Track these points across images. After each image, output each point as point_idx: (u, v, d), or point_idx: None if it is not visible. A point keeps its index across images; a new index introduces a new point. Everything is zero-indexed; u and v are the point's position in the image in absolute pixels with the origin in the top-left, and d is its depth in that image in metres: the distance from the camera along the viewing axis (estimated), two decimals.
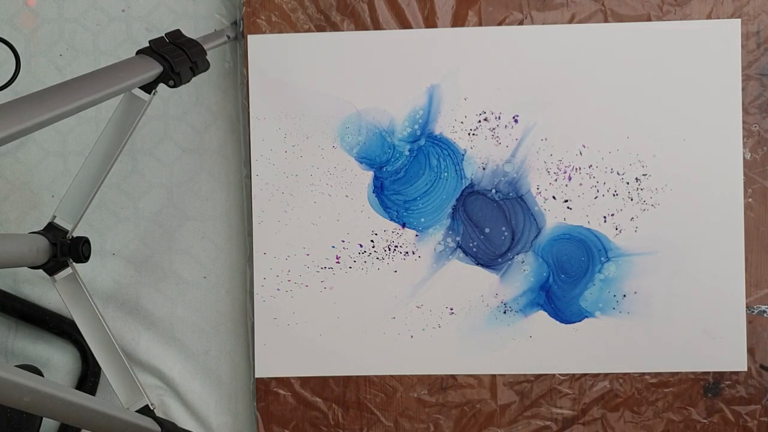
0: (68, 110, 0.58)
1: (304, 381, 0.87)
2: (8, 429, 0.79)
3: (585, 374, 0.85)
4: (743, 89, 0.83)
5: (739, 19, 0.83)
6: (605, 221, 0.84)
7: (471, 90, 0.85)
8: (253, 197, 0.86)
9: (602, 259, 0.84)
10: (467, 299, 0.85)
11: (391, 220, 0.86)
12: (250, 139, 0.86)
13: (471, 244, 0.85)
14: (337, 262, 0.86)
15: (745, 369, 0.84)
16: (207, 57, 0.76)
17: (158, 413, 0.76)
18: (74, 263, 0.71)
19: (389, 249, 0.86)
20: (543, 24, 0.84)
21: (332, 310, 0.86)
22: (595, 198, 0.84)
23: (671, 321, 0.84)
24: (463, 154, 0.85)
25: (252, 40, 0.86)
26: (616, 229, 0.84)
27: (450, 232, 0.85)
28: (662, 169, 0.84)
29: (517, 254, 0.85)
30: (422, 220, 0.86)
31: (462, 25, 0.85)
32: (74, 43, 0.90)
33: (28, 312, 0.89)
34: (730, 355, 0.83)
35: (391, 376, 0.86)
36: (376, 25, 0.85)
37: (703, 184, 0.83)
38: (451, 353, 0.86)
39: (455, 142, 0.85)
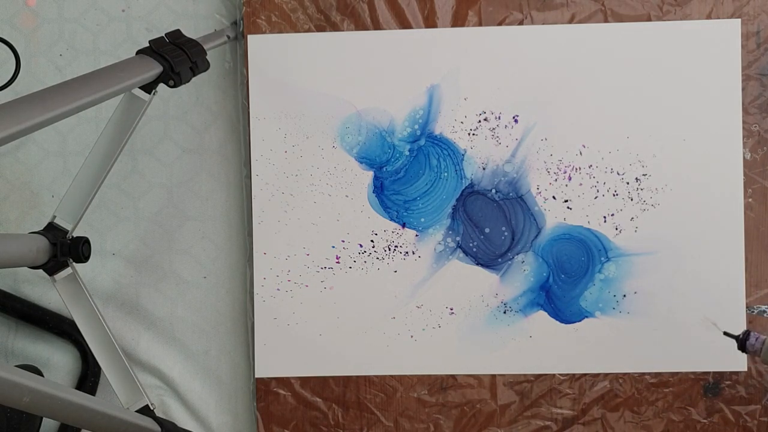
0: (68, 110, 0.58)
1: (304, 381, 0.87)
2: (8, 429, 0.79)
3: (585, 374, 0.85)
4: (743, 89, 0.83)
5: (739, 19, 0.83)
6: (605, 221, 0.84)
7: (471, 90, 0.85)
8: (253, 197, 0.86)
9: (602, 259, 0.84)
10: (467, 299, 0.85)
11: (391, 220, 0.86)
12: (250, 139, 0.86)
13: (471, 244, 0.85)
14: (337, 262, 0.86)
15: (745, 369, 0.84)
16: (207, 57, 0.76)
17: (158, 413, 0.76)
18: (74, 263, 0.71)
19: (389, 249, 0.86)
20: (543, 24, 0.84)
21: (332, 310, 0.86)
22: (595, 198, 0.84)
23: (671, 321, 0.84)
24: (463, 154, 0.85)
25: (252, 40, 0.86)
26: (616, 229, 0.84)
27: (450, 232, 0.85)
28: (662, 169, 0.84)
29: (517, 254, 0.85)
30: (422, 220, 0.86)
31: (462, 25, 0.85)
32: (74, 43, 0.90)
33: (28, 312, 0.89)
34: (730, 355, 0.83)
35: (391, 376, 0.86)
36: (376, 25, 0.85)
37: (703, 184, 0.83)
38: (451, 353, 0.86)
39: (455, 142, 0.85)
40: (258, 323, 0.86)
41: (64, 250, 0.69)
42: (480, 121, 0.85)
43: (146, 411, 0.71)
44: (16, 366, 0.78)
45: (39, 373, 0.86)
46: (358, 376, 0.86)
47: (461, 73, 0.85)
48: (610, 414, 0.85)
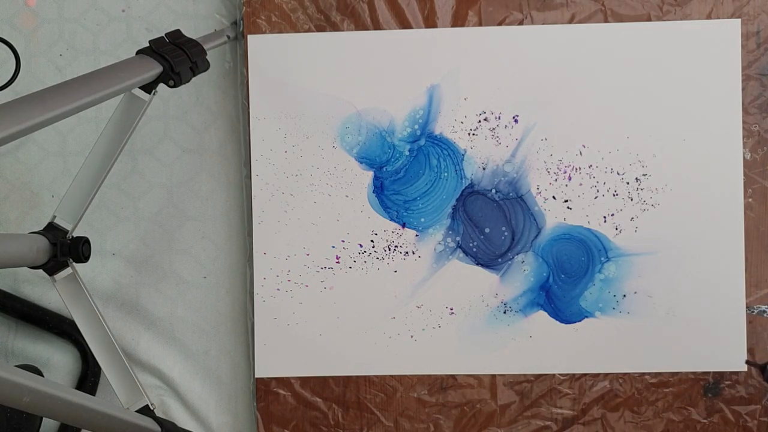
0: (68, 110, 0.58)
1: (304, 381, 0.87)
2: (8, 429, 0.79)
3: (585, 374, 0.85)
4: (743, 89, 0.83)
5: (739, 19, 0.83)
6: (605, 221, 0.84)
7: (471, 90, 0.85)
8: (253, 197, 0.86)
9: (602, 259, 0.84)
10: (467, 299, 0.85)
11: (391, 220, 0.86)
12: (250, 139, 0.86)
13: (471, 244, 0.85)
14: (337, 262, 0.86)
15: (745, 369, 0.84)
16: (207, 57, 0.76)
17: (158, 413, 0.76)
18: (74, 263, 0.71)
19: (389, 249, 0.86)
20: (543, 24, 0.84)
21: (332, 310, 0.86)
22: (595, 198, 0.84)
23: (671, 321, 0.84)
24: (463, 154, 0.85)
25: (252, 40, 0.86)
26: (616, 229, 0.84)
27: (450, 232, 0.85)
28: (662, 169, 0.84)
29: (517, 254, 0.85)
30: (422, 220, 0.86)
31: (462, 25, 0.85)
32: (74, 43, 0.90)
33: (28, 312, 0.89)
34: (730, 355, 0.83)
35: (391, 376, 0.86)
36: (376, 25, 0.85)
37: (703, 184, 0.83)
38: (451, 353, 0.86)
39: (455, 142, 0.85)
40: (258, 323, 0.86)
41: (64, 250, 0.69)
42: (480, 121, 0.85)
43: (146, 411, 0.71)
44: (16, 366, 0.78)
45: (39, 373, 0.86)
46: (358, 376, 0.86)
47: (461, 73, 0.85)
48: (610, 414, 0.85)
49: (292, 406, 0.87)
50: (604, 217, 0.84)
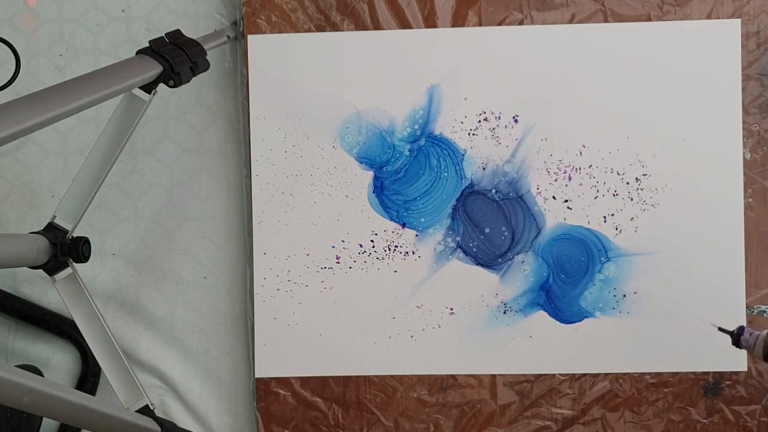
0: (68, 110, 0.58)
1: (304, 381, 0.87)
2: (8, 429, 0.79)
3: (585, 374, 0.85)
4: (743, 89, 0.83)
5: (739, 19, 0.83)
6: (605, 221, 0.84)
7: (471, 90, 0.85)
8: (253, 197, 0.86)
9: (602, 259, 0.84)
10: (467, 299, 0.85)
11: (391, 220, 0.86)
12: (250, 139, 0.86)
13: (471, 244, 0.85)
14: (337, 262, 0.86)
15: (745, 369, 0.84)
16: (207, 57, 0.76)
17: (158, 413, 0.76)
18: (74, 263, 0.71)
19: (389, 249, 0.86)
20: (543, 24, 0.84)
21: (332, 310, 0.86)
22: (595, 198, 0.84)
23: (671, 321, 0.84)
24: (463, 154, 0.85)
25: (252, 40, 0.86)
26: (616, 229, 0.84)
27: (450, 232, 0.85)
28: (662, 169, 0.84)
29: (517, 254, 0.85)
30: (422, 220, 0.86)
31: (462, 25, 0.85)
32: (74, 43, 0.90)
33: (28, 312, 0.89)
34: (730, 355, 0.83)
35: (391, 376, 0.86)
36: (376, 25, 0.85)
37: (703, 184, 0.83)
38: (451, 353, 0.86)
39: (455, 142, 0.85)
40: (258, 323, 0.86)
41: (64, 250, 0.69)
42: (480, 121, 0.85)
43: (146, 411, 0.71)
44: (16, 366, 0.78)
45: (39, 373, 0.86)
46: (358, 376, 0.86)
47: (461, 73, 0.85)
48: (610, 414, 0.85)
49: (292, 406, 0.87)
50: (604, 217, 0.84)
